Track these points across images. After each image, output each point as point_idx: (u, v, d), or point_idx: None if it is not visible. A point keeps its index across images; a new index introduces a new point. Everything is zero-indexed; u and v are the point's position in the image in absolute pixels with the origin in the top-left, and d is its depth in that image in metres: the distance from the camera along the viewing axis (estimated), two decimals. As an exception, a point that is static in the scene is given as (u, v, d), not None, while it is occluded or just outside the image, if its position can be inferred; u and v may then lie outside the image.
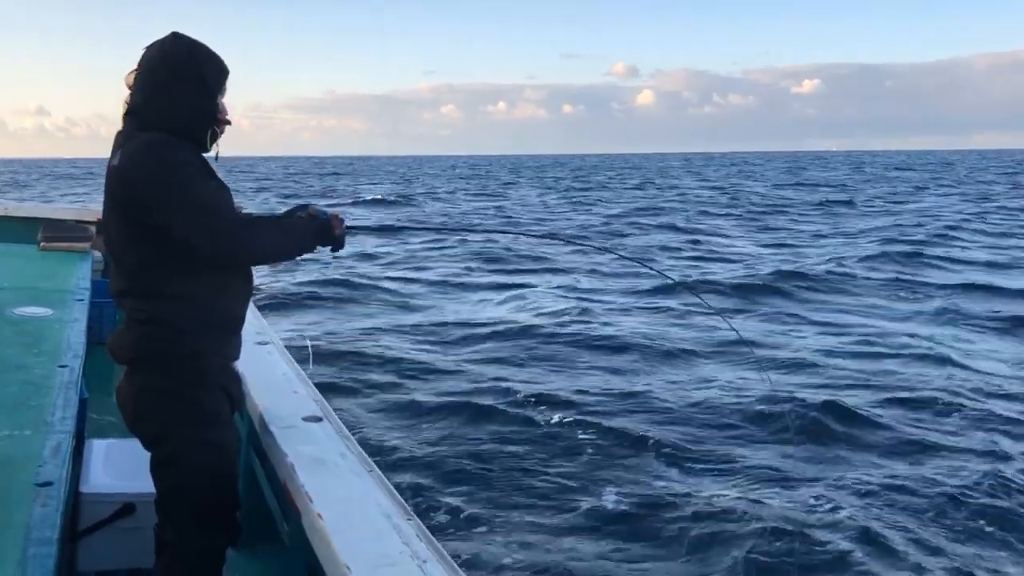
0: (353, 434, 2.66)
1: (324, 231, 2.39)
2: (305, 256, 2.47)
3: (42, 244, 5.82)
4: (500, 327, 10.93)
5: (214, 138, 2.33)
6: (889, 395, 7.91)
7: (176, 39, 2.28)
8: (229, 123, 2.37)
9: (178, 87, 2.23)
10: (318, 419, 2.72)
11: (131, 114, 2.28)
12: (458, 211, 30.88)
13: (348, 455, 2.42)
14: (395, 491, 2.20)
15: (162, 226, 2.16)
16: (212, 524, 2.29)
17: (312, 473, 2.29)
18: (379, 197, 38.63)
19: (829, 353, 9.53)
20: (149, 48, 2.27)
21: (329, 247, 2.44)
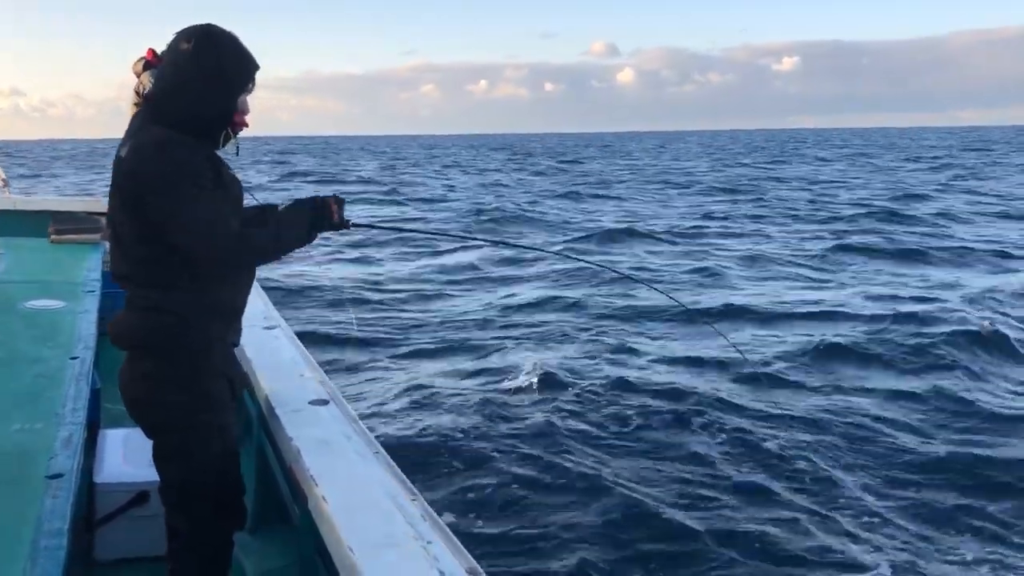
0: (360, 416, 2.67)
1: (321, 219, 2.34)
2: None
3: (52, 237, 5.85)
4: (512, 315, 10.95)
5: (227, 139, 2.30)
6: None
7: (207, 37, 2.20)
8: (247, 125, 2.32)
9: (199, 85, 2.18)
10: (324, 402, 2.73)
11: (147, 101, 2.25)
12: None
13: (354, 437, 2.43)
14: (400, 472, 2.21)
15: (163, 225, 2.15)
16: (220, 508, 2.31)
17: (318, 456, 2.30)
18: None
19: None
20: (179, 38, 2.20)
21: (332, 231, 2.40)
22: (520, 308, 11.37)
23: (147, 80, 5.11)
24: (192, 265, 2.21)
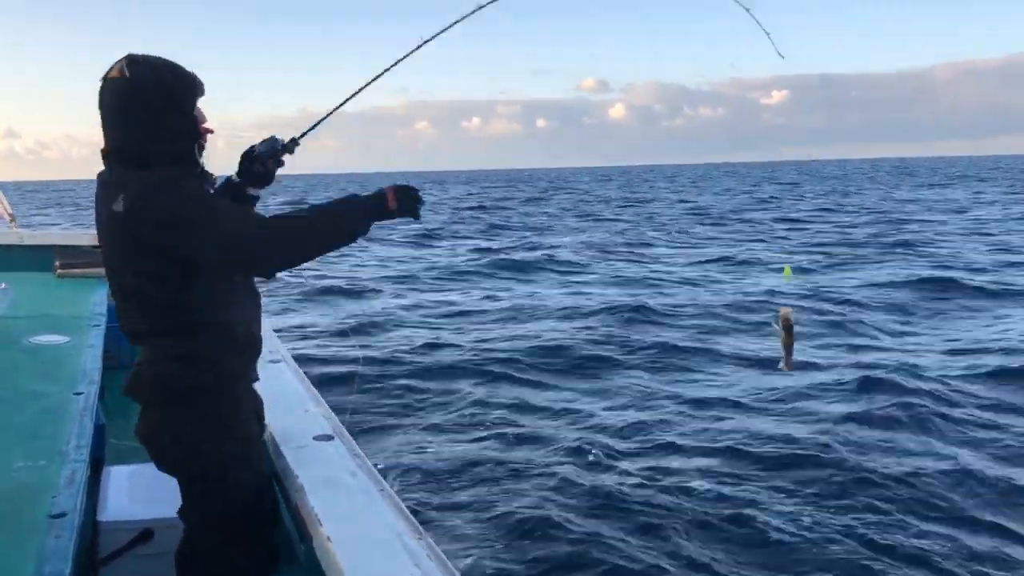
0: (365, 452, 2.65)
1: (374, 206, 2.19)
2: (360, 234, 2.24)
3: (58, 271, 5.86)
4: (521, 343, 10.83)
5: (201, 149, 2.27)
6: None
7: (133, 65, 2.13)
8: (211, 131, 2.27)
9: (154, 115, 2.12)
10: (329, 437, 2.71)
11: (114, 154, 2.17)
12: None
13: (359, 474, 2.41)
14: (406, 510, 2.19)
15: (190, 258, 2.10)
16: (255, 546, 2.31)
17: (322, 494, 2.28)
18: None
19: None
20: (108, 82, 2.13)
21: (390, 219, 2.25)
22: (539, 343, 11.06)
23: None
24: (215, 294, 2.18)
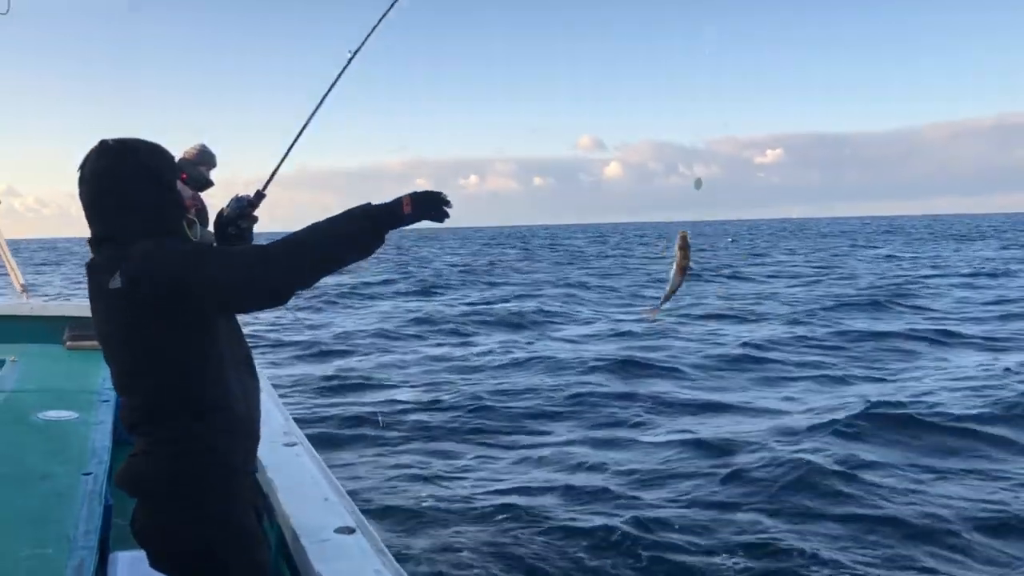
0: (388, 546, 2.54)
1: (387, 211, 2.07)
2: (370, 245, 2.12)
3: (68, 343, 5.80)
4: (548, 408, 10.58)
5: (191, 225, 2.24)
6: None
7: (107, 149, 2.12)
8: (196, 206, 2.28)
9: (136, 196, 2.10)
10: (351, 530, 2.61)
11: (103, 242, 2.14)
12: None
13: (384, 573, 2.30)
14: None
15: (198, 309, 2.03)
16: None
17: None
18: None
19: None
20: (87, 170, 2.13)
21: (408, 224, 2.12)
22: (576, 390, 11.00)
23: None
24: (216, 370, 2.10)
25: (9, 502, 3.18)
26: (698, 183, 2.43)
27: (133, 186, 2.09)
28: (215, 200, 5.84)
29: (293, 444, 3.57)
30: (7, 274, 6.91)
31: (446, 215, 2.09)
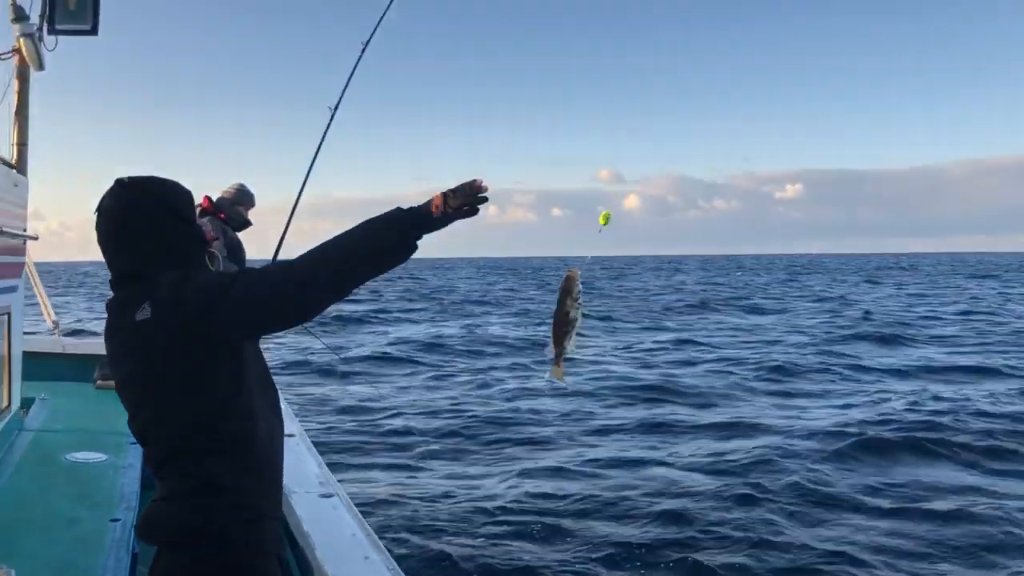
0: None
1: (415, 216, 1.93)
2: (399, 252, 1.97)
3: (98, 382, 5.72)
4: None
5: (212, 260, 2.17)
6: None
7: (127, 187, 2.08)
8: (217, 239, 2.22)
9: (156, 232, 2.05)
10: None
11: (127, 280, 2.07)
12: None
13: None
14: None
15: (225, 334, 1.94)
16: None
17: None
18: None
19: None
20: (107, 209, 2.09)
21: (441, 226, 1.96)
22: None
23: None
24: (243, 406, 1.99)
25: (33, 549, 3.06)
26: (606, 218, 2.10)
27: (153, 221, 2.06)
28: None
29: (330, 496, 3.41)
30: (37, 304, 6.87)
31: (476, 210, 1.94)
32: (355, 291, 2.06)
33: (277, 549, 2.10)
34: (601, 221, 2.06)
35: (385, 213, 1.95)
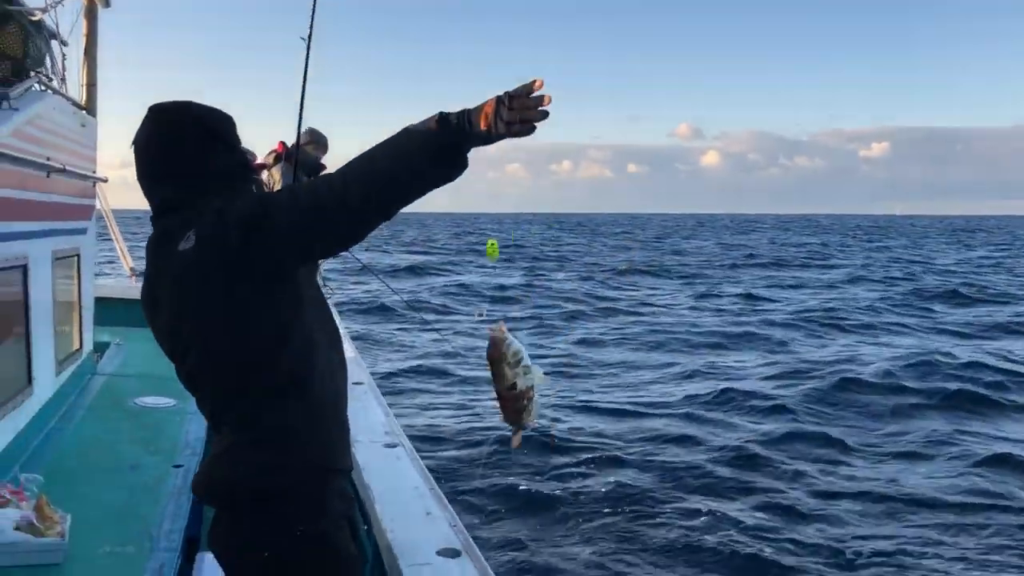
0: (499, 572, 2.18)
1: (460, 130, 1.59)
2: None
3: (172, 327, 5.72)
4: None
5: (260, 188, 2.02)
6: None
7: (162, 113, 1.91)
8: (264, 167, 2.03)
9: (201, 156, 1.87)
10: (456, 553, 2.26)
11: (168, 212, 1.89)
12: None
13: None
14: None
15: (280, 254, 1.75)
16: None
17: None
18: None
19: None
20: (143, 137, 1.91)
21: (485, 142, 1.61)
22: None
23: (277, 174, 4.93)
24: (302, 342, 1.81)
25: (95, 493, 3.00)
26: (494, 247, 2.30)
27: (193, 145, 1.89)
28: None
29: (394, 445, 3.26)
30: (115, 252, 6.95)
31: (533, 128, 1.55)
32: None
33: (347, 511, 1.92)
34: (489, 252, 2.14)
35: (431, 131, 1.62)
